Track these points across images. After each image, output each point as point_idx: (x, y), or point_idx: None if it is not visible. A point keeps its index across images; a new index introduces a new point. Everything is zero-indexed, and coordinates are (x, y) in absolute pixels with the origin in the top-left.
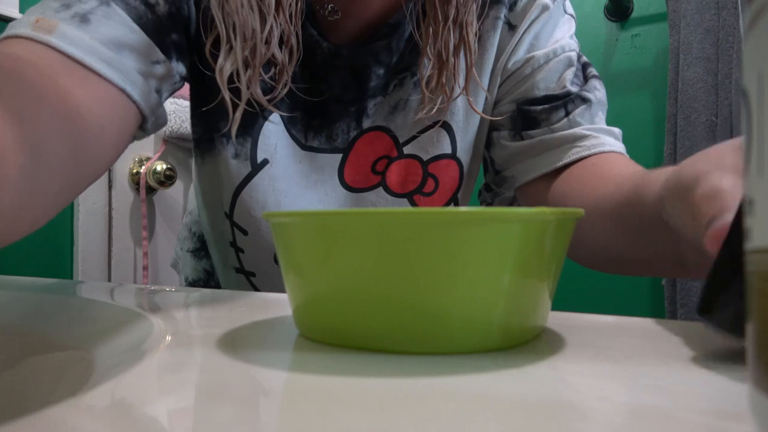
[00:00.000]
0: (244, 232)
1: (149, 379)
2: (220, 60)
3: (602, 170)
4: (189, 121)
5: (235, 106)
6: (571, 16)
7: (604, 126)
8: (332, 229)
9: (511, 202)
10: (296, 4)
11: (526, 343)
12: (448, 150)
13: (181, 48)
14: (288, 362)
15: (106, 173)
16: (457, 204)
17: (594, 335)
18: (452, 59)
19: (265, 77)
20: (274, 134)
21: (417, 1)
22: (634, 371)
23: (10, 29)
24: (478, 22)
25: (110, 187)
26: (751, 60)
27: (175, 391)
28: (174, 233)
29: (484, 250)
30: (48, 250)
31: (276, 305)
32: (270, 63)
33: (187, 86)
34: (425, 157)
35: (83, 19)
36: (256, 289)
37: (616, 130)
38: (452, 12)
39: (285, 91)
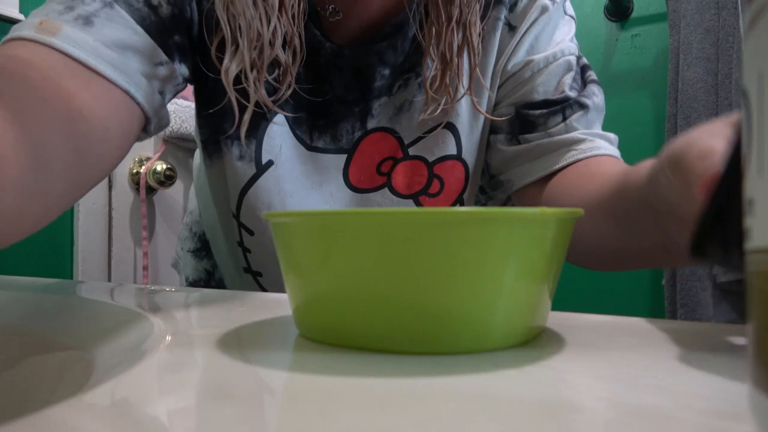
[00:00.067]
0: (251, 233)
1: (149, 379)
2: (226, 61)
3: (593, 170)
4: (188, 121)
5: (240, 107)
6: (571, 17)
7: (600, 131)
8: (332, 229)
9: (505, 203)
10: (299, 5)
11: (526, 343)
12: (453, 151)
13: (184, 49)
14: (288, 362)
15: None
16: (462, 205)
17: (594, 335)
18: (456, 60)
19: (269, 78)
20: (278, 135)
21: (420, 1)
22: (634, 371)
23: (14, 31)
24: (481, 23)
25: (110, 187)
26: (751, 60)
27: (175, 391)
28: (174, 233)
29: (484, 250)
30: (48, 250)
31: (276, 305)
32: (274, 64)
33: (188, 87)
34: (430, 159)
35: (87, 21)
36: (263, 289)
37: (612, 136)
38: (455, 12)
39: (289, 92)
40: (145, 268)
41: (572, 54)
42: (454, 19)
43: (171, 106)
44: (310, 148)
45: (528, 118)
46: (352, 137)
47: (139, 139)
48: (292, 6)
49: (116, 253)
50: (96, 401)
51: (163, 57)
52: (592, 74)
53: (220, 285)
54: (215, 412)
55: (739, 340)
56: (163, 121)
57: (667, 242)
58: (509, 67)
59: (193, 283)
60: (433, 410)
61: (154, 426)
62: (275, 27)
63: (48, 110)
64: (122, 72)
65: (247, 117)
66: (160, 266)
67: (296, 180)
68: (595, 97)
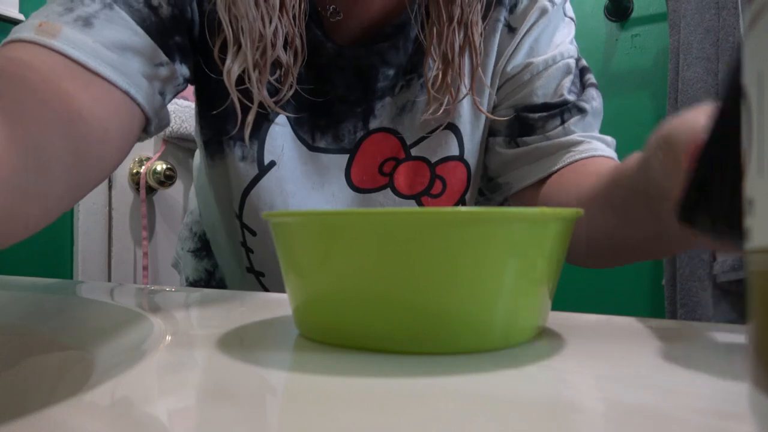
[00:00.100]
0: (253, 233)
1: (149, 379)
2: (228, 62)
3: (590, 169)
4: (188, 121)
5: (243, 108)
6: (571, 19)
7: (597, 134)
8: (332, 229)
9: (501, 203)
10: (300, 6)
11: (526, 343)
12: (455, 152)
13: (184, 50)
14: (288, 362)
15: None
16: (464, 206)
17: (594, 335)
18: (457, 59)
19: (271, 79)
20: (280, 136)
21: (422, 2)
22: (634, 371)
23: (14, 33)
24: (483, 23)
25: (110, 187)
26: (751, 60)
27: (175, 391)
28: (174, 233)
29: (484, 250)
30: (48, 250)
31: (276, 305)
32: (275, 65)
33: (188, 87)
34: (433, 159)
35: (86, 22)
36: (266, 289)
37: (609, 139)
38: (457, 12)
39: (291, 92)
40: (145, 268)
41: (571, 57)
42: (455, 19)
43: (171, 106)
44: (312, 148)
45: (527, 121)
46: (354, 137)
47: (140, 139)
48: (293, 7)
49: (116, 253)
50: (96, 401)
51: (164, 58)
52: (591, 77)
53: (221, 285)
54: (215, 412)
55: (739, 340)
56: (164, 121)
57: (658, 229)
58: (509, 69)
59: (194, 283)
60: (433, 410)
61: (154, 426)
62: (276, 27)
63: (47, 112)
64: (122, 73)
65: (251, 118)
66: (160, 266)
67: (298, 180)
68: (594, 101)
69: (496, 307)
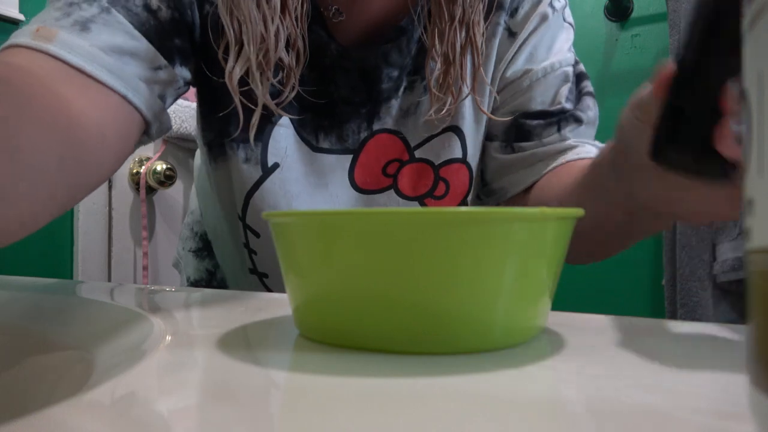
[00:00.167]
0: (257, 235)
1: (149, 379)
2: (230, 64)
3: (577, 166)
4: (188, 121)
5: (246, 110)
6: (570, 24)
7: (591, 141)
8: (332, 229)
9: (496, 204)
10: (301, 6)
11: (526, 343)
12: (459, 155)
13: (185, 53)
14: (288, 362)
15: None
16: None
17: (594, 335)
18: (459, 59)
19: (274, 81)
20: (284, 137)
21: (424, 3)
22: (633, 371)
23: (12, 39)
24: (485, 23)
25: (110, 187)
26: (751, 60)
27: (175, 391)
28: (174, 233)
29: (484, 250)
30: (48, 250)
31: (276, 305)
32: (277, 66)
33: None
34: (436, 162)
35: (83, 26)
36: (269, 290)
37: (601, 145)
38: (458, 12)
39: (293, 94)
40: (145, 268)
41: (569, 65)
42: (456, 19)
43: (171, 107)
44: (316, 149)
45: (524, 127)
46: (358, 138)
47: (142, 142)
48: (295, 8)
49: (116, 253)
50: (96, 401)
51: (163, 61)
52: (587, 85)
53: (222, 285)
54: (215, 412)
55: (739, 340)
56: (165, 124)
57: (630, 206)
58: (508, 74)
59: (195, 283)
60: (433, 410)
61: (154, 426)
62: (278, 29)
63: (38, 116)
64: (119, 77)
65: (255, 120)
66: (160, 266)
67: (302, 181)
68: (590, 111)
69: (496, 307)
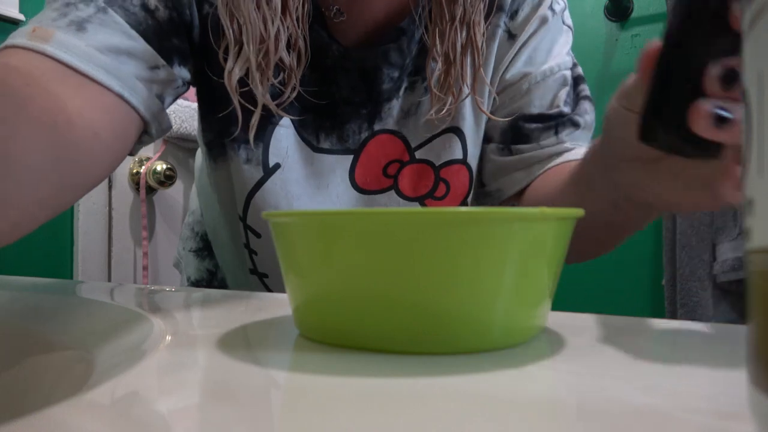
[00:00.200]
0: (257, 235)
1: (149, 379)
2: (229, 64)
3: (569, 165)
4: (188, 121)
5: (245, 111)
6: (569, 27)
7: (587, 144)
8: (332, 229)
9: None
10: (303, 7)
11: (526, 343)
12: (459, 155)
13: (183, 53)
14: (288, 362)
15: None
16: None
17: (594, 335)
18: (460, 59)
19: (275, 82)
20: (285, 138)
21: (425, 4)
22: (634, 371)
23: (9, 39)
24: (485, 23)
25: (110, 187)
26: (751, 60)
27: (175, 391)
28: (174, 233)
29: (484, 250)
30: (48, 250)
31: (276, 305)
32: (278, 67)
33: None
34: (437, 162)
35: (80, 26)
36: (269, 290)
37: None
38: (459, 11)
39: (294, 94)
40: (145, 268)
41: (568, 68)
42: (457, 19)
43: (171, 106)
44: (317, 149)
45: (522, 130)
46: (358, 138)
47: (144, 142)
48: (296, 9)
49: (116, 253)
50: (96, 401)
51: (160, 61)
52: (585, 88)
53: (222, 285)
54: (215, 412)
55: (739, 340)
56: (164, 124)
57: (616, 197)
58: (507, 76)
59: (195, 283)
60: (433, 410)
61: (154, 426)
62: (278, 29)
63: (24, 116)
64: (115, 76)
65: (254, 120)
66: (160, 266)
67: (303, 182)
68: (587, 115)
69: (496, 307)
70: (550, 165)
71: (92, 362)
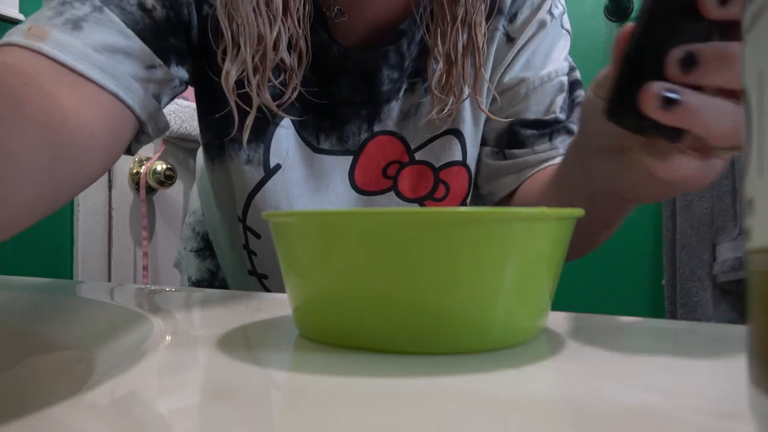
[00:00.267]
0: (257, 236)
1: (149, 379)
2: (226, 65)
3: (555, 166)
4: (188, 121)
5: (242, 112)
6: (568, 32)
7: None
8: (332, 229)
9: None
10: (303, 8)
11: (526, 343)
12: (459, 157)
13: (181, 53)
14: (288, 362)
15: (106, 173)
16: None
17: (594, 335)
18: (461, 60)
19: (275, 82)
20: (285, 139)
21: (427, 5)
22: (634, 371)
23: (5, 37)
24: (486, 24)
25: (110, 187)
26: (751, 60)
27: (175, 391)
28: (174, 233)
29: (484, 250)
30: (48, 250)
31: (276, 305)
32: (279, 68)
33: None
34: (437, 164)
35: (76, 25)
36: (268, 291)
37: None
38: (460, 12)
39: (294, 95)
40: (145, 268)
41: (565, 74)
42: (458, 19)
43: (171, 106)
44: (317, 150)
45: (518, 136)
46: (358, 139)
47: (142, 142)
48: (297, 9)
49: (116, 253)
50: (96, 401)
51: (157, 60)
52: (581, 94)
53: (223, 285)
54: (215, 412)
55: (739, 340)
56: (161, 124)
57: (592, 191)
58: (505, 79)
59: (196, 283)
60: (433, 410)
61: (154, 426)
62: (279, 30)
63: (20, 115)
64: (111, 76)
65: (249, 122)
66: (160, 266)
67: (303, 183)
68: None
69: (496, 307)
70: (540, 168)
71: (92, 362)
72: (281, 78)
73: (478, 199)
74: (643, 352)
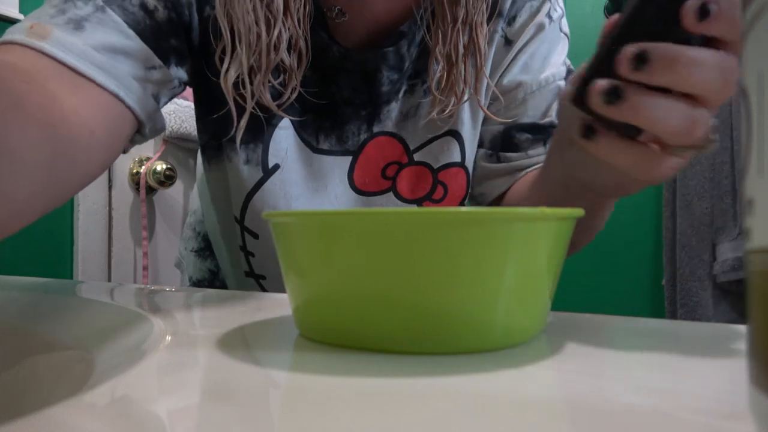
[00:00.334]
0: (255, 236)
1: (149, 379)
2: (225, 66)
3: None
4: (188, 121)
5: (241, 113)
6: (566, 35)
7: None
8: (332, 229)
9: None
10: (304, 8)
11: (526, 343)
12: (457, 159)
13: (181, 53)
14: (288, 362)
15: (106, 173)
16: None
17: (594, 335)
18: (461, 61)
19: (275, 83)
20: (284, 139)
21: (427, 6)
22: (634, 371)
23: (6, 35)
24: (487, 25)
25: (110, 187)
26: (751, 60)
27: (175, 391)
28: (174, 233)
29: (484, 250)
30: (48, 250)
31: (276, 305)
32: (278, 68)
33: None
34: (435, 165)
35: (77, 25)
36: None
37: None
38: (461, 13)
39: (294, 96)
40: (145, 268)
41: (562, 78)
42: (459, 20)
43: (171, 106)
44: (316, 150)
45: (513, 140)
46: (357, 139)
47: (137, 141)
48: (298, 9)
49: (116, 253)
50: (96, 401)
51: (157, 61)
52: None
53: (224, 285)
54: (215, 412)
55: (739, 340)
56: (159, 124)
57: (566, 178)
58: (503, 82)
59: (197, 283)
60: (433, 410)
61: (154, 426)
62: (280, 31)
63: (20, 113)
64: (111, 75)
65: (243, 122)
66: (160, 266)
67: (302, 183)
68: None
69: (496, 307)
70: (530, 170)
71: (92, 362)
72: (281, 78)
73: (471, 200)
74: (643, 352)
